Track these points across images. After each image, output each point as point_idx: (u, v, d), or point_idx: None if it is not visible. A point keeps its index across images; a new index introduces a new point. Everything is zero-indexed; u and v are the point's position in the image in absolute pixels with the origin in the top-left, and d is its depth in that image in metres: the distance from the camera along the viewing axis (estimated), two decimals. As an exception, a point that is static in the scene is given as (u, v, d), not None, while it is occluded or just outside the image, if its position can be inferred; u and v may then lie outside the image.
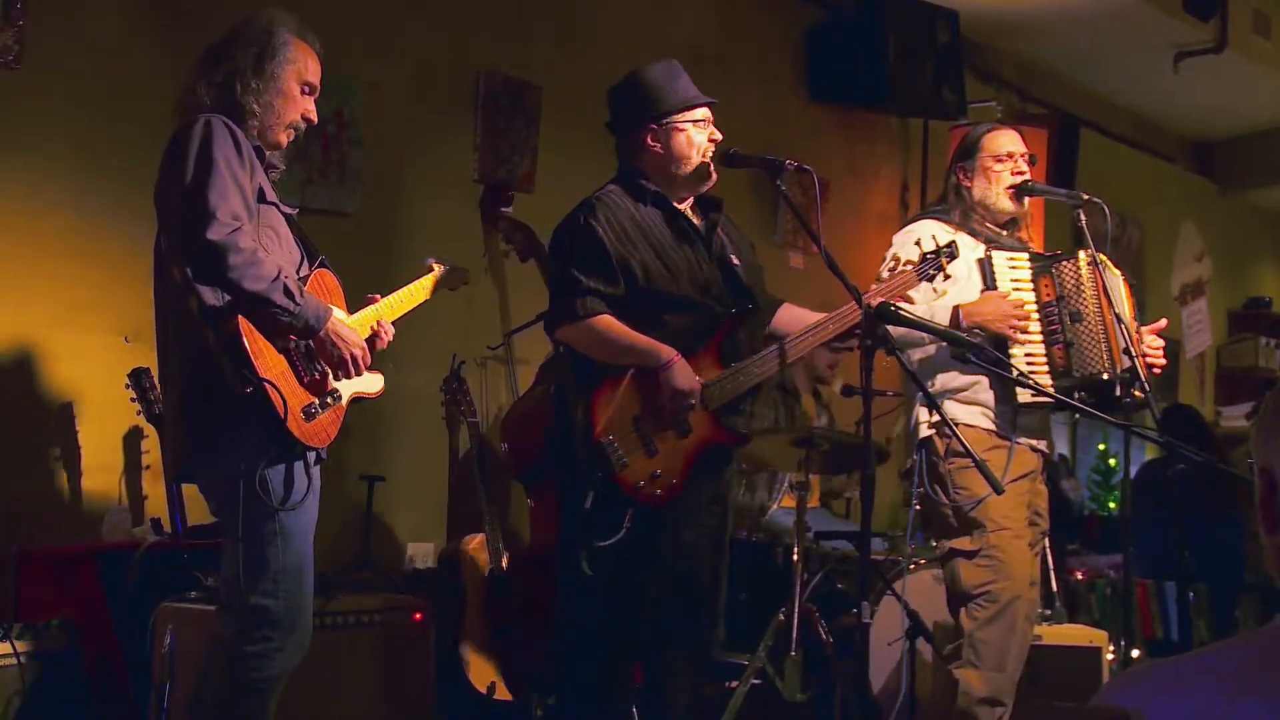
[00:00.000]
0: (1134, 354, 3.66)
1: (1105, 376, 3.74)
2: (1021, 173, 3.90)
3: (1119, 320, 3.72)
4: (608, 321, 3.35)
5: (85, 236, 4.19)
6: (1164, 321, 3.94)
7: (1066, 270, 3.82)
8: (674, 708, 3.48)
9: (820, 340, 3.51)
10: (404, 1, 5.05)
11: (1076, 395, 3.72)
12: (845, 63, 6.55)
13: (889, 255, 3.93)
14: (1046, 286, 3.83)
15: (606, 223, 3.38)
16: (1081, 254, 3.81)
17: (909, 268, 3.60)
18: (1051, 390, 3.68)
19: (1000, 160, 3.90)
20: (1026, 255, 3.89)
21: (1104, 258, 3.82)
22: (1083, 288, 3.80)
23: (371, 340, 3.17)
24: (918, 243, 3.79)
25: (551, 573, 4.42)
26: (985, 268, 3.82)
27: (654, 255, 3.41)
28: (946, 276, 3.65)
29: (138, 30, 4.33)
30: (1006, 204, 3.91)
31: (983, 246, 3.86)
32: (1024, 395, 3.72)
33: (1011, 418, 3.80)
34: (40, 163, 4.11)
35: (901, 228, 4.13)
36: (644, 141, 3.48)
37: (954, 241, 3.70)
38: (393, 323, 3.24)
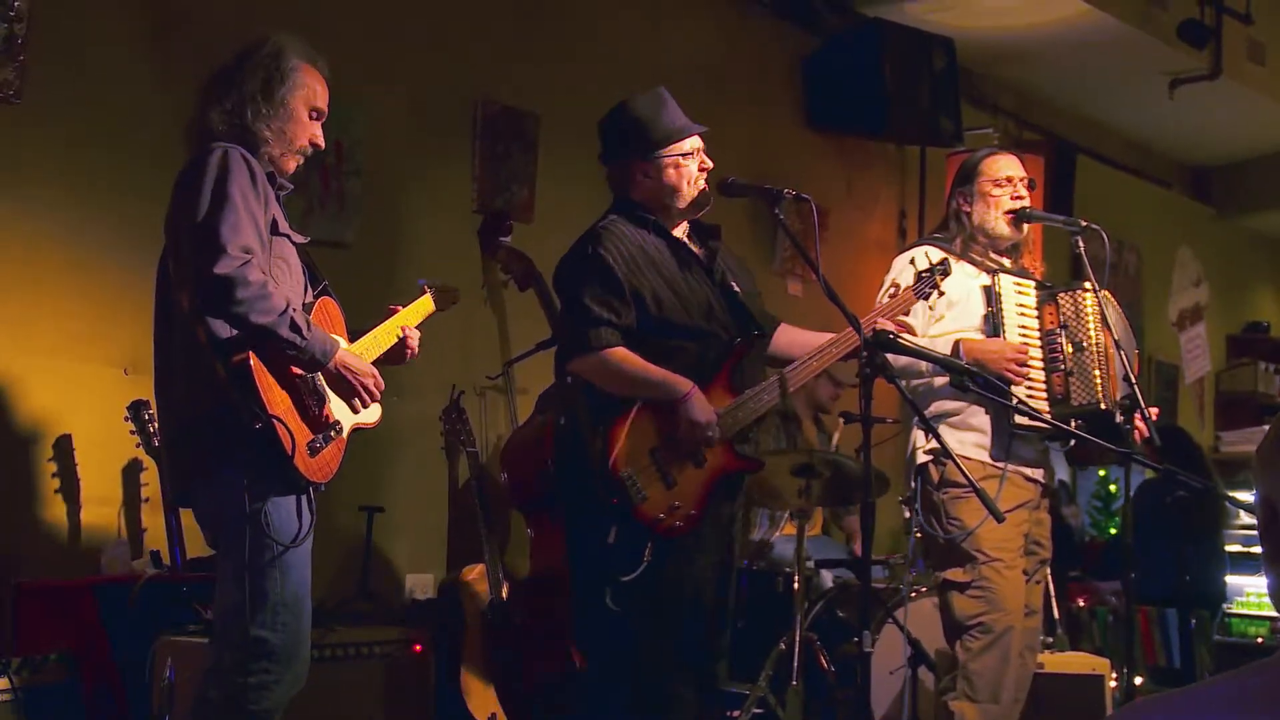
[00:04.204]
0: (1133, 381, 3.65)
1: (1102, 407, 3.74)
2: (1020, 197, 3.90)
3: (1119, 347, 3.72)
4: (622, 354, 3.32)
5: (85, 269, 4.19)
6: (1155, 410, 3.87)
7: (1070, 300, 3.83)
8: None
9: (822, 366, 3.50)
10: (402, 30, 5.07)
11: (1074, 423, 3.71)
12: (842, 90, 6.58)
13: (888, 281, 3.93)
14: (1050, 314, 3.84)
15: (616, 252, 3.36)
16: (1086, 284, 3.81)
17: (906, 290, 3.61)
18: (1048, 416, 3.68)
19: (999, 185, 3.90)
20: (1033, 283, 3.90)
21: (1107, 294, 3.82)
22: (1085, 318, 3.80)
23: (401, 348, 3.20)
24: (912, 261, 3.80)
25: (551, 603, 4.41)
26: (990, 292, 3.82)
27: (664, 284, 3.40)
28: (941, 294, 3.66)
29: (138, 65, 4.35)
30: (1004, 229, 3.90)
31: (985, 275, 3.86)
32: (1020, 419, 3.72)
33: (1006, 444, 3.79)
34: (40, 196, 4.11)
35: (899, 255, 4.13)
36: (634, 176, 3.46)
37: (946, 259, 3.70)
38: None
